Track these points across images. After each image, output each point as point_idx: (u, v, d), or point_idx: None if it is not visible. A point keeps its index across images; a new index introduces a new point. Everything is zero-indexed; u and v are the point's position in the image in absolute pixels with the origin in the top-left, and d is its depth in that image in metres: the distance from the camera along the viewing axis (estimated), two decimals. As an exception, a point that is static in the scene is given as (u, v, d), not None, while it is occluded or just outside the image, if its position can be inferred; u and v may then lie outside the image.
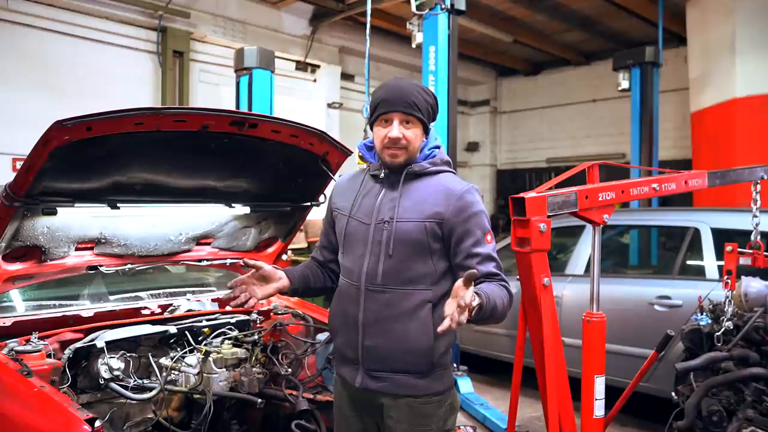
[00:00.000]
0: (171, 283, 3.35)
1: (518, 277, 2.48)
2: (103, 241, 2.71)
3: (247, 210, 3.00)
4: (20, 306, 2.75)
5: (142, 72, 8.28)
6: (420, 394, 1.92)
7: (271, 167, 2.81)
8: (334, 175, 2.84)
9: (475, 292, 1.66)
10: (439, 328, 1.57)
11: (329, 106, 10.47)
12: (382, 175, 1.99)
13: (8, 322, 2.52)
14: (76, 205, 2.44)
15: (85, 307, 2.81)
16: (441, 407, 1.96)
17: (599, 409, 2.46)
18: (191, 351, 2.57)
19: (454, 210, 1.89)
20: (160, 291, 3.18)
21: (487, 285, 1.84)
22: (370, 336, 1.92)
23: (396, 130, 1.90)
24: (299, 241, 9.03)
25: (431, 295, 1.90)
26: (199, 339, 2.66)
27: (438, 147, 2.04)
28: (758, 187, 3.29)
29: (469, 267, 1.84)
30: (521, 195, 2.35)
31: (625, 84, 8.00)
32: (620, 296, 4.40)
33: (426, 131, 1.99)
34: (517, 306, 2.56)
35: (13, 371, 2.02)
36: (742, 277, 3.27)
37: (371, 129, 2.01)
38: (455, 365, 5.12)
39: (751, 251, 3.31)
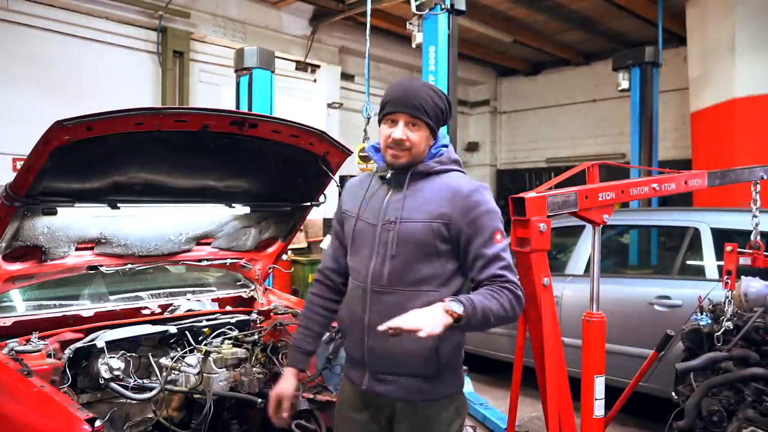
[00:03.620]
0: (171, 283, 3.34)
1: (518, 277, 2.47)
2: (103, 241, 2.71)
3: (247, 210, 3.00)
4: (20, 306, 2.75)
5: (142, 72, 8.27)
6: (424, 398, 1.90)
7: (271, 167, 2.81)
8: (334, 175, 2.85)
9: (460, 301, 1.70)
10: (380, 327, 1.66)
11: (329, 106, 10.46)
12: (389, 175, 1.97)
13: (8, 322, 2.52)
14: (76, 205, 2.45)
15: (85, 307, 2.81)
16: (445, 410, 1.94)
17: (599, 409, 2.47)
18: (191, 351, 2.58)
19: (460, 210, 1.85)
20: (160, 291, 3.18)
21: (484, 291, 1.80)
22: (375, 338, 1.89)
23: (400, 131, 1.88)
24: (299, 241, 9.04)
25: (438, 297, 1.84)
26: (199, 339, 2.66)
27: (446, 146, 2.00)
28: (758, 187, 3.29)
29: (476, 268, 1.85)
30: (521, 195, 2.35)
31: (625, 84, 8.00)
32: (620, 296, 4.40)
33: (434, 133, 1.96)
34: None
35: (14, 371, 2.02)
36: (742, 277, 3.27)
37: (379, 126, 1.99)
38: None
39: (751, 251, 3.31)
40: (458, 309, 1.69)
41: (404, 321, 1.63)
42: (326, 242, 4.96)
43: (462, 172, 1.99)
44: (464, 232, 1.86)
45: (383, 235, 1.91)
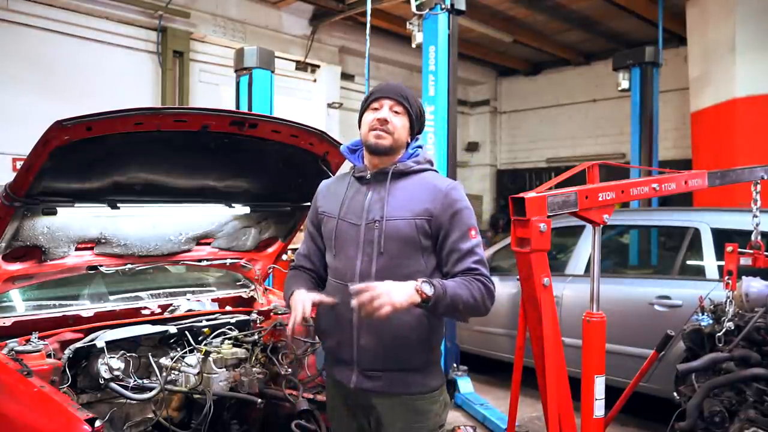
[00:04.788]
0: (171, 283, 3.34)
1: (518, 277, 2.47)
2: (103, 241, 2.71)
3: (247, 210, 3.00)
4: (20, 306, 2.75)
5: (142, 72, 8.26)
6: (415, 391, 1.94)
7: (271, 167, 2.81)
8: (334, 175, 2.84)
9: (432, 283, 1.77)
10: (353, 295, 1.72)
11: (329, 106, 10.45)
12: (369, 175, 2.02)
13: (8, 322, 2.52)
14: (76, 205, 2.45)
15: (85, 307, 2.81)
16: (436, 403, 1.99)
17: (599, 409, 2.46)
18: (191, 351, 2.57)
19: (441, 206, 1.93)
20: (160, 291, 3.18)
21: (458, 279, 1.88)
22: (365, 335, 1.92)
23: (385, 111, 1.96)
24: (299, 241, 9.03)
25: None
26: (199, 339, 2.66)
27: (421, 147, 2.10)
28: (758, 187, 3.28)
29: (450, 262, 1.93)
30: (521, 195, 2.35)
31: (625, 84, 7.98)
32: (620, 296, 4.40)
33: (412, 130, 2.04)
34: (517, 306, 2.56)
35: (13, 371, 2.02)
36: (743, 277, 3.27)
37: (359, 124, 2.05)
38: (455, 365, 5.12)
39: (751, 251, 3.31)
40: (428, 290, 1.76)
41: (375, 289, 1.70)
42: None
43: (435, 171, 2.08)
44: (443, 227, 1.93)
45: (368, 233, 1.95)
